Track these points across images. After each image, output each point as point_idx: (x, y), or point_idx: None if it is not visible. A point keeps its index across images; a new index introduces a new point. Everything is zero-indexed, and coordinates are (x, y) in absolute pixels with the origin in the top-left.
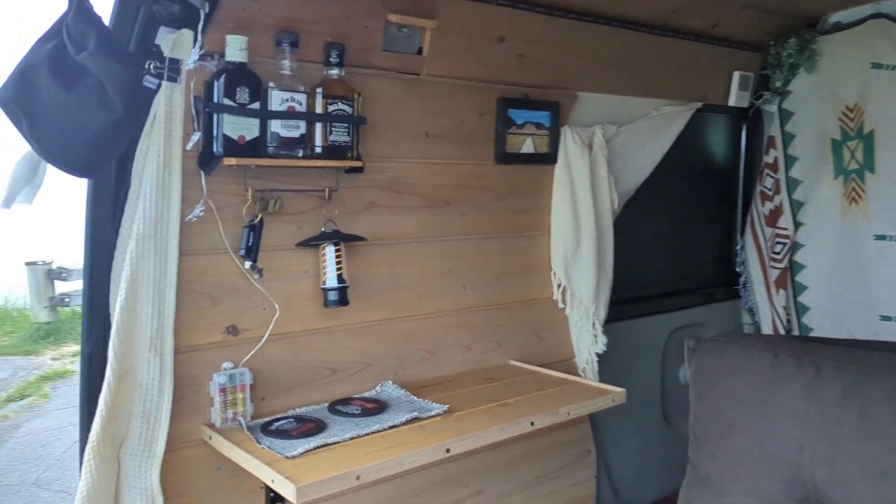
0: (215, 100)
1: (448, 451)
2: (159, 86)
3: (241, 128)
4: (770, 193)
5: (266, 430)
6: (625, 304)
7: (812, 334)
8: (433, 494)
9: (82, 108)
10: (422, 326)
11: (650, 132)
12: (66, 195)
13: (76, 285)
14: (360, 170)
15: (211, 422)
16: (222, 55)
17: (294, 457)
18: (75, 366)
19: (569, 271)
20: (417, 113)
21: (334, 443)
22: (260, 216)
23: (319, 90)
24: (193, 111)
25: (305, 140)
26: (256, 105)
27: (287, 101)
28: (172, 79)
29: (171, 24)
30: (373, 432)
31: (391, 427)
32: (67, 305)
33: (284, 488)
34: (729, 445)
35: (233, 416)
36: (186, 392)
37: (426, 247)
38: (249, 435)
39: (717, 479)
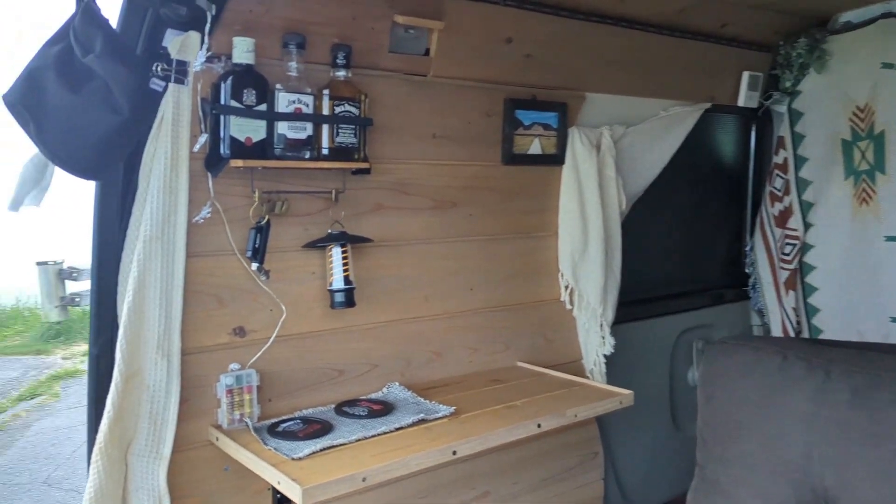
0: (222, 102)
1: (454, 453)
2: (166, 88)
3: (247, 129)
4: (780, 194)
5: (273, 431)
6: (633, 305)
7: (822, 336)
8: (440, 496)
9: (89, 111)
10: (429, 328)
11: (658, 133)
12: (77, 195)
13: (87, 285)
14: (366, 171)
15: (218, 423)
16: (229, 57)
17: (300, 458)
18: (85, 365)
19: (576, 272)
20: (424, 114)
21: (340, 444)
22: (267, 218)
23: (326, 92)
24: (200, 113)
25: (312, 142)
26: (263, 107)
27: (294, 102)
28: (179, 81)
29: (178, 26)
30: (379, 434)
31: (397, 429)
32: (78, 305)
33: (290, 490)
34: (737, 449)
35: (239, 417)
36: (193, 393)
37: (433, 248)
38: (256, 436)
39: (725, 482)
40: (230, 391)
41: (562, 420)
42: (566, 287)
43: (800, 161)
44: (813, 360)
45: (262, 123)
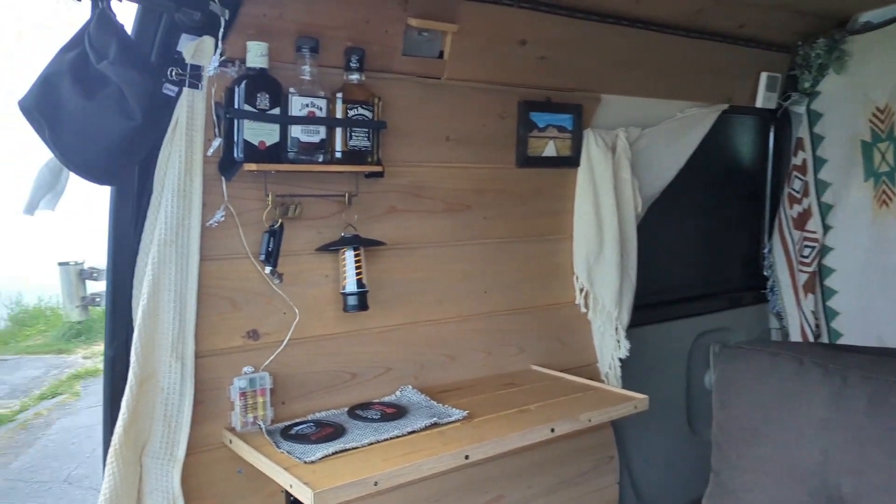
0: (236, 106)
1: (467, 457)
2: (179, 93)
3: (261, 133)
4: (798, 196)
5: (286, 434)
6: (649, 308)
7: (842, 340)
8: (453, 499)
9: (102, 117)
10: (442, 331)
11: (675, 134)
12: (98, 196)
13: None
14: (380, 174)
15: (231, 425)
16: (243, 61)
17: (312, 462)
18: None
19: (591, 275)
20: (438, 117)
21: (353, 448)
22: (280, 221)
23: (339, 95)
24: (214, 117)
25: (325, 145)
26: (277, 110)
27: (307, 106)
28: (194, 85)
29: (192, 31)
30: (391, 438)
31: (410, 433)
32: (98, 305)
33: (302, 494)
34: (753, 455)
35: (253, 420)
36: (207, 396)
37: (447, 251)
38: (269, 439)
39: (740, 489)
40: (244, 394)
41: (575, 425)
42: (581, 290)
43: (819, 162)
44: (829, 365)
45: (276, 127)
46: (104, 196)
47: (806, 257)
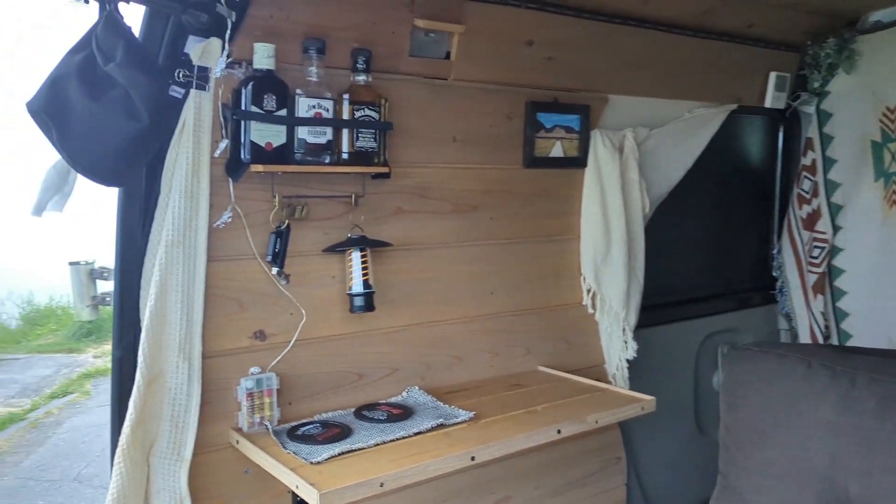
0: (243, 107)
1: (473, 459)
2: (185, 95)
3: (268, 135)
4: (808, 196)
5: (292, 434)
6: (656, 309)
7: (851, 341)
8: (459, 501)
9: (109, 118)
10: (449, 332)
11: (683, 135)
12: (108, 195)
13: None
14: (386, 175)
15: (238, 426)
16: (250, 63)
17: (319, 463)
18: None
19: (599, 276)
20: (445, 118)
21: (359, 449)
22: (287, 222)
23: (346, 96)
24: (221, 119)
25: (332, 146)
26: (283, 112)
27: (314, 107)
28: (201, 87)
29: (200, 33)
30: (398, 439)
31: (416, 434)
32: (109, 304)
33: (308, 494)
34: (760, 457)
35: (259, 420)
36: (214, 396)
37: (453, 252)
38: (275, 440)
39: (747, 491)
40: (250, 394)
41: (582, 426)
42: (588, 291)
43: (828, 163)
44: (838, 367)
45: (283, 128)
46: (114, 196)
47: (815, 258)
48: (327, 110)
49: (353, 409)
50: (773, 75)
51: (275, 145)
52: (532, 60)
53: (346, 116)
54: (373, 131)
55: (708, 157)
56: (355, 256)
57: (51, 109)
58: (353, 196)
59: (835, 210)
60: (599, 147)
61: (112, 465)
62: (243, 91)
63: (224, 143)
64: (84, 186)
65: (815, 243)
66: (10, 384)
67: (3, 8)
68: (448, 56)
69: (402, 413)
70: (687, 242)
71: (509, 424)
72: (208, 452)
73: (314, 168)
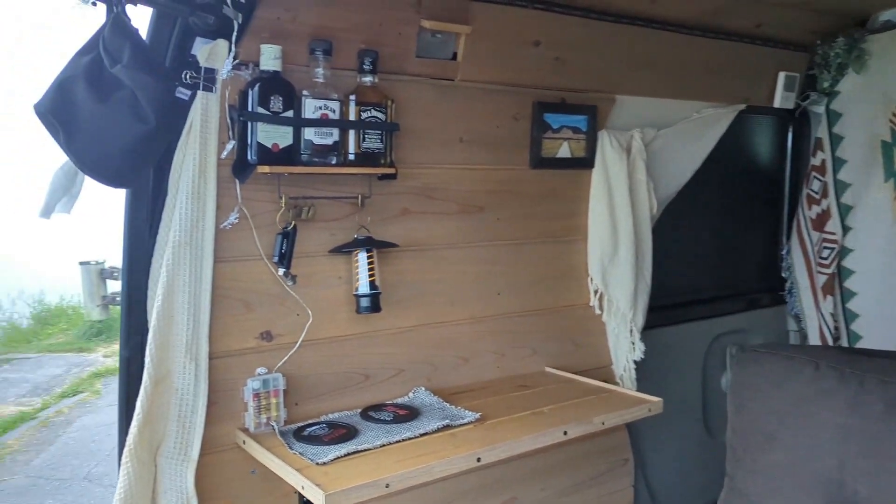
0: (249, 108)
1: (479, 460)
2: (192, 96)
3: (274, 136)
4: (817, 197)
5: (298, 435)
6: (664, 310)
7: (861, 342)
8: (466, 501)
9: (116, 120)
10: (455, 333)
11: (691, 135)
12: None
13: None
14: (393, 176)
15: (245, 426)
16: (257, 64)
17: (324, 463)
18: None
19: (606, 277)
20: (451, 118)
21: (365, 450)
22: (293, 223)
23: (353, 97)
24: (228, 120)
25: (339, 147)
26: (290, 113)
27: (320, 108)
28: (208, 88)
29: (206, 34)
30: (404, 440)
31: (422, 435)
32: (119, 304)
33: (314, 495)
34: (767, 459)
35: (266, 420)
36: (221, 397)
37: (460, 253)
38: (282, 440)
39: (755, 494)
40: (257, 395)
41: (589, 427)
42: (595, 291)
43: (838, 163)
44: (846, 369)
45: (289, 129)
46: (122, 196)
47: (825, 259)
48: (334, 111)
49: (359, 410)
50: (782, 75)
51: (281, 146)
52: (539, 61)
53: (352, 117)
54: (379, 132)
55: (716, 158)
56: (362, 257)
57: (58, 111)
58: (360, 197)
59: (844, 211)
60: (607, 148)
61: (119, 464)
62: (250, 92)
63: (231, 145)
64: (92, 187)
65: (825, 244)
66: (20, 383)
67: (3, 8)
68: (455, 57)
69: (409, 414)
70: (695, 243)
71: (516, 425)
72: (215, 453)
73: (321, 169)
